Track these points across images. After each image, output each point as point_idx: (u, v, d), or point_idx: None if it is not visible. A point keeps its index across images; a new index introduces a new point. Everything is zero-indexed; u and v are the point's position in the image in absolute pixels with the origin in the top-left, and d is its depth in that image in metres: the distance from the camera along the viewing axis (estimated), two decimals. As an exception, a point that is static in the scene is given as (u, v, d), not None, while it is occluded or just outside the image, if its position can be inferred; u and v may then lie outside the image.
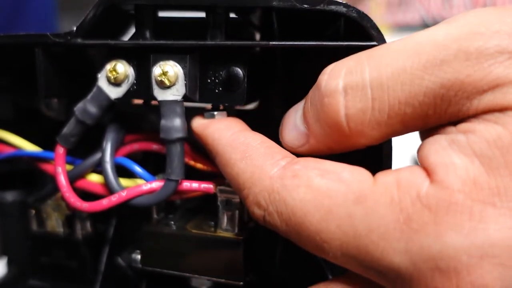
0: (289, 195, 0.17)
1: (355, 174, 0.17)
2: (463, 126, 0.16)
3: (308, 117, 0.18)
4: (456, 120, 0.16)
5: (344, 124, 0.17)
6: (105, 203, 0.22)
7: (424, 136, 0.17)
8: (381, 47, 0.17)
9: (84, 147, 0.24)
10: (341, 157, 0.18)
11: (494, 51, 0.15)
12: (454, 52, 0.15)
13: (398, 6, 1.22)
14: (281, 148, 0.19)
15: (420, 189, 0.15)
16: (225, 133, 0.20)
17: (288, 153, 0.19)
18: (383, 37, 0.19)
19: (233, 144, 0.19)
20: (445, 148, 0.16)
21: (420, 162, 0.16)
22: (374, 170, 0.17)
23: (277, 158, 0.18)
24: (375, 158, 0.19)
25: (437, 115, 0.16)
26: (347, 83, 0.17)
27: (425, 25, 1.15)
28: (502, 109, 0.15)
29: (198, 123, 0.21)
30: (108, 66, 0.22)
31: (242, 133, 0.20)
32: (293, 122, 0.19)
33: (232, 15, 0.22)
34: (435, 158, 0.16)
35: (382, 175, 0.16)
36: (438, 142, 0.16)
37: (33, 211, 0.27)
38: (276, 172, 0.18)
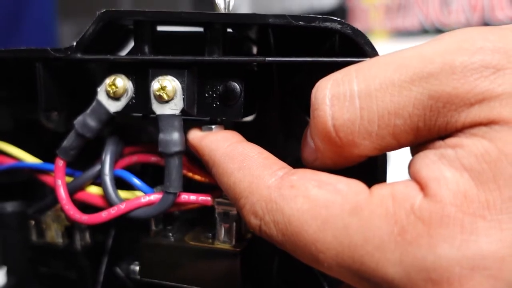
0: (287, 205, 0.17)
1: (351, 186, 0.17)
2: (451, 140, 0.16)
3: (311, 132, 0.19)
4: (445, 134, 0.16)
5: (333, 135, 0.17)
6: (104, 215, 0.22)
7: (414, 151, 0.18)
8: (370, 61, 0.18)
9: (83, 158, 0.24)
10: (338, 171, 0.19)
11: (479, 65, 0.15)
12: (440, 66, 0.16)
13: (397, 11, 1.24)
14: (278, 159, 0.20)
15: (414, 202, 0.16)
16: (222, 144, 0.21)
17: (285, 164, 0.19)
18: (377, 53, 0.19)
19: (231, 154, 0.20)
20: (435, 162, 0.16)
21: (412, 176, 0.17)
22: (369, 183, 0.18)
23: (274, 169, 0.19)
24: (370, 171, 0.20)
25: (427, 127, 0.16)
26: (333, 94, 0.17)
27: (424, 31, 1.16)
28: (488, 123, 0.15)
29: (195, 135, 0.22)
30: (108, 81, 0.22)
31: (240, 144, 0.20)
32: (306, 139, 0.20)
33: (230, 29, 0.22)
34: (427, 172, 0.16)
35: (377, 188, 0.17)
36: (428, 156, 0.16)
37: (33, 222, 0.28)
38: (274, 182, 0.18)
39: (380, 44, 1.29)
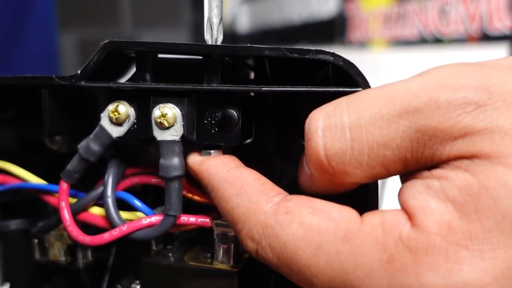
0: (282, 230, 0.18)
1: (344, 213, 0.18)
2: (437, 172, 0.17)
3: (306, 161, 0.20)
4: (432, 164, 0.17)
5: (326, 164, 0.18)
6: (106, 237, 0.23)
7: (403, 180, 0.19)
8: (360, 93, 0.19)
9: (86, 177, 0.25)
10: (331, 196, 0.20)
11: (462, 102, 0.16)
12: (425, 101, 0.17)
13: (396, 21, 1.25)
14: (274, 185, 0.21)
15: (402, 231, 0.17)
16: (221, 169, 0.21)
17: (281, 190, 0.20)
18: (368, 83, 0.20)
19: (229, 179, 0.21)
20: (422, 192, 0.17)
21: (401, 205, 0.18)
22: (362, 209, 0.18)
23: (271, 195, 0.19)
24: (363, 197, 0.20)
25: (414, 158, 0.17)
26: (325, 126, 0.18)
27: (423, 40, 1.17)
28: (471, 157, 0.16)
29: (194, 159, 0.23)
30: (111, 107, 0.23)
31: (238, 170, 0.21)
32: (303, 166, 0.21)
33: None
34: (414, 202, 0.17)
35: (369, 216, 0.18)
36: (415, 186, 0.17)
37: (36, 240, 0.28)
38: (270, 208, 0.19)
39: (379, 53, 1.30)
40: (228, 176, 0.21)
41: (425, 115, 0.17)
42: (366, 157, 0.18)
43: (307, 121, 0.19)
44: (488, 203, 0.15)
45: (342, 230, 0.17)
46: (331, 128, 0.18)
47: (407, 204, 0.17)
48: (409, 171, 0.18)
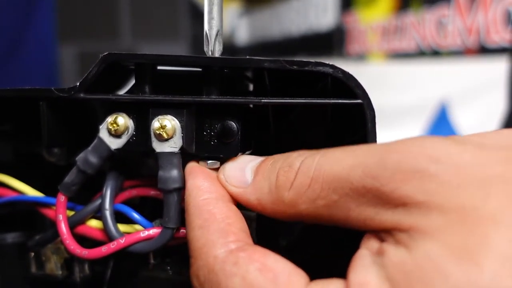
0: (224, 281, 0.18)
1: (291, 278, 0.17)
2: (382, 246, 0.17)
3: (263, 172, 0.20)
4: (374, 226, 0.17)
5: (287, 191, 0.19)
6: (104, 250, 0.23)
7: (361, 241, 0.18)
8: (334, 150, 0.19)
9: (84, 190, 0.25)
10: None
11: (408, 168, 0.16)
12: (376, 161, 0.17)
13: (394, 33, 1.26)
14: (244, 229, 0.20)
15: None
16: (201, 194, 0.21)
17: (246, 237, 0.20)
18: (367, 94, 0.20)
19: (200, 208, 0.20)
20: (366, 267, 0.17)
21: (347, 273, 0.17)
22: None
23: (230, 240, 0.19)
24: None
25: (357, 211, 0.17)
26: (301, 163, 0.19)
27: (421, 52, 1.18)
28: (407, 230, 0.16)
29: (189, 171, 0.22)
30: (109, 119, 0.23)
31: (215, 201, 0.20)
32: (242, 167, 0.21)
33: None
34: (354, 276, 0.17)
35: (313, 285, 0.17)
36: (362, 259, 0.17)
37: (33, 254, 0.28)
38: (222, 253, 0.18)
39: (377, 65, 1.31)
40: (202, 204, 0.20)
41: (373, 174, 0.17)
42: (316, 196, 0.18)
43: (294, 154, 0.20)
44: (418, 284, 0.15)
45: None
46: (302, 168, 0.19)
47: (348, 276, 0.17)
48: (352, 225, 0.18)
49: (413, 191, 0.16)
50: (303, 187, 0.18)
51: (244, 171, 0.21)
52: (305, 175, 0.18)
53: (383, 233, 0.17)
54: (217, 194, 0.21)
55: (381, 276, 0.16)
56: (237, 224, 0.20)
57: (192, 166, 0.22)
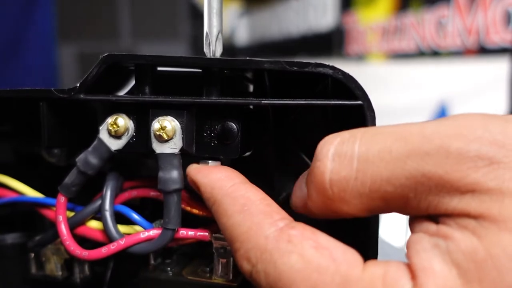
0: (281, 259, 0.17)
1: (347, 256, 0.17)
2: (443, 229, 0.16)
3: (307, 180, 0.19)
4: (436, 213, 0.17)
5: (327, 187, 0.18)
6: (104, 251, 0.23)
7: (411, 225, 0.18)
8: (377, 127, 0.18)
9: (84, 191, 0.25)
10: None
11: (474, 155, 0.16)
12: (436, 147, 0.16)
13: (393, 34, 1.26)
14: (280, 208, 0.20)
15: None
16: (226, 183, 0.20)
17: (286, 214, 0.19)
18: (367, 96, 0.20)
19: (233, 195, 0.20)
20: (427, 251, 0.16)
21: (407, 257, 0.17)
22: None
23: (275, 218, 0.19)
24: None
25: (417, 200, 0.17)
26: (336, 151, 0.18)
27: (420, 53, 1.18)
28: (478, 217, 0.16)
29: (197, 171, 0.22)
30: (109, 120, 0.23)
31: (243, 186, 0.20)
32: (300, 184, 0.20)
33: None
34: (417, 260, 0.16)
35: (372, 265, 0.17)
36: (422, 242, 0.17)
37: (32, 254, 0.28)
38: (273, 232, 0.18)
39: (377, 65, 1.31)
40: (232, 191, 0.20)
41: (433, 161, 0.16)
42: (368, 189, 0.17)
43: (321, 142, 0.19)
44: (492, 274, 0.15)
45: (341, 274, 0.17)
46: (341, 155, 0.18)
47: (411, 260, 0.17)
48: (411, 212, 0.17)
49: (483, 178, 0.15)
50: (350, 181, 0.17)
51: (302, 187, 0.20)
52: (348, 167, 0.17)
53: (441, 217, 0.16)
54: (241, 179, 0.21)
55: (447, 262, 0.16)
56: (274, 205, 0.20)
57: (197, 166, 0.22)
